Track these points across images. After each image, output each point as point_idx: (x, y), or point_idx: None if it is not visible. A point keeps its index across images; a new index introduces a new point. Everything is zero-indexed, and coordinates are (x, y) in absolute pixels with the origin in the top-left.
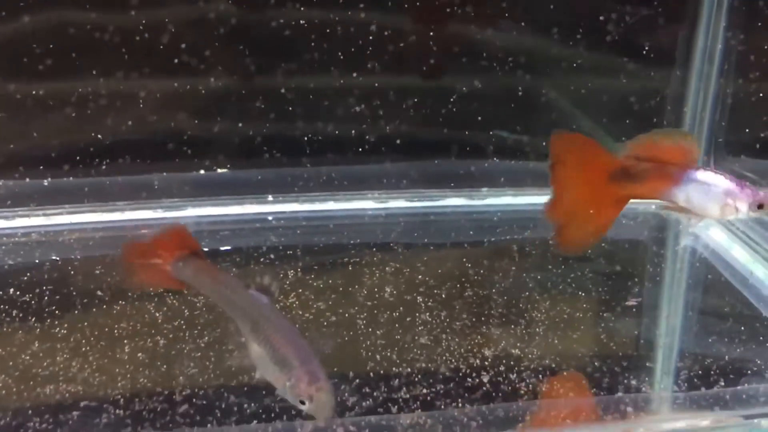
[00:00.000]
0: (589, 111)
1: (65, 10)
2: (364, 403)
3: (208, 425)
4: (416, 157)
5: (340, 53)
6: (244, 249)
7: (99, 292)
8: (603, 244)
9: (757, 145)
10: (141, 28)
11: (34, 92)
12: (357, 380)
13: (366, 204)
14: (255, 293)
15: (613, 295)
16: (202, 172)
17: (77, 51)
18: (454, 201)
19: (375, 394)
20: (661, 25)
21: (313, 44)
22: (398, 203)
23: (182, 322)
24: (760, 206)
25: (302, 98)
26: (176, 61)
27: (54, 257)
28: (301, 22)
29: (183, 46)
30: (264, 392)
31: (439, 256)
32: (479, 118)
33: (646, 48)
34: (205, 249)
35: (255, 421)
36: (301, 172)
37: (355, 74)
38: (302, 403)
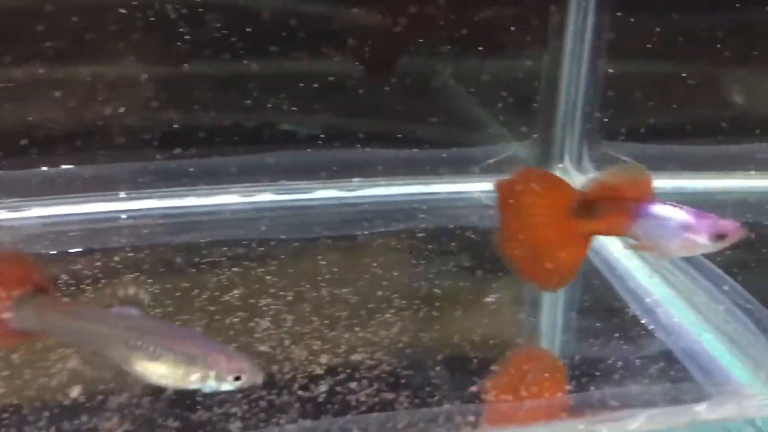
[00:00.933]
0: (466, 94)
1: None
2: (175, 424)
3: None
4: (285, 147)
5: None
6: (95, 250)
7: None
8: (471, 235)
9: (623, 129)
10: None
11: None
12: (173, 397)
13: (230, 198)
14: (122, 309)
15: (474, 291)
16: (44, 168)
17: None
18: (325, 193)
19: (189, 414)
20: (532, 5)
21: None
22: (265, 197)
23: None
24: (721, 237)
25: (155, 86)
26: (19, 50)
27: None
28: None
29: (26, 35)
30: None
31: (299, 253)
32: (352, 104)
33: (519, 29)
34: (53, 252)
35: None
36: (157, 165)
37: (216, 60)
38: (237, 379)
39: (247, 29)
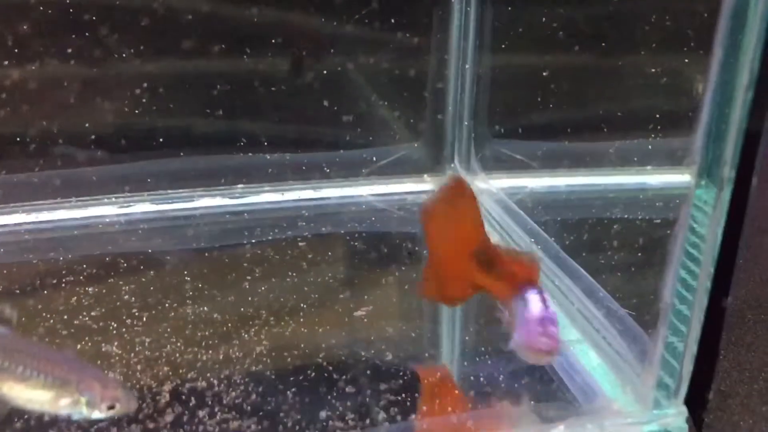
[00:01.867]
0: (354, 95)
1: None
2: None
3: None
4: (166, 154)
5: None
6: None
7: None
8: (354, 243)
9: (512, 128)
10: None
11: None
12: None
13: (104, 210)
14: None
15: (346, 304)
16: None
17: None
18: (207, 201)
19: None
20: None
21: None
22: (142, 207)
23: None
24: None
25: (19, 93)
26: None
27: None
28: None
29: None
30: None
31: (168, 268)
32: (237, 107)
33: (404, 28)
34: None
35: None
36: (25, 178)
37: (89, 64)
38: (111, 408)
39: (124, 27)
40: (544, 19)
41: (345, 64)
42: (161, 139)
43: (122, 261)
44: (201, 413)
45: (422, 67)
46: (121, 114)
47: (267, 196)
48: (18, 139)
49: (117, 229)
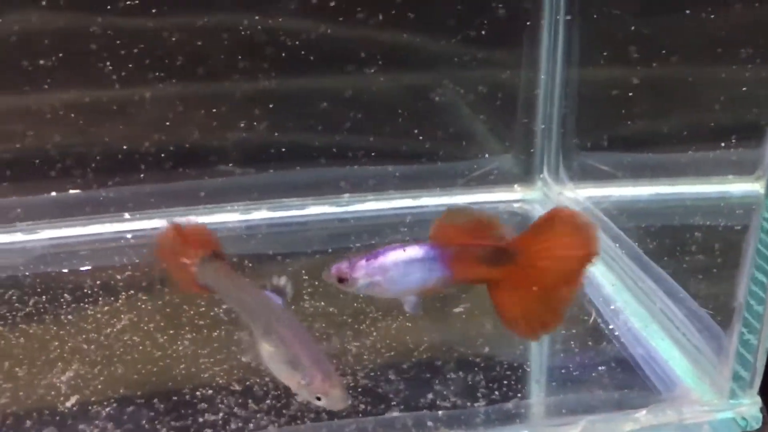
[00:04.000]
0: (449, 111)
1: None
2: None
3: None
4: (277, 167)
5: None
6: (102, 268)
7: None
8: None
9: (597, 139)
10: None
11: None
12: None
13: (227, 216)
14: (270, 294)
15: (446, 302)
16: (54, 194)
17: None
18: (317, 209)
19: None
20: (507, 17)
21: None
22: (260, 214)
23: None
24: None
25: (151, 108)
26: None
27: None
28: None
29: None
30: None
31: (287, 268)
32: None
33: (497, 43)
34: (65, 270)
35: None
36: (159, 188)
37: (212, 81)
38: (318, 399)
39: (244, 49)
40: (628, 34)
41: (443, 81)
42: (278, 154)
43: (247, 261)
44: None
45: (513, 84)
46: (243, 131)
47: (371, 205)
48: (163, 155)
49: (238, 233)
